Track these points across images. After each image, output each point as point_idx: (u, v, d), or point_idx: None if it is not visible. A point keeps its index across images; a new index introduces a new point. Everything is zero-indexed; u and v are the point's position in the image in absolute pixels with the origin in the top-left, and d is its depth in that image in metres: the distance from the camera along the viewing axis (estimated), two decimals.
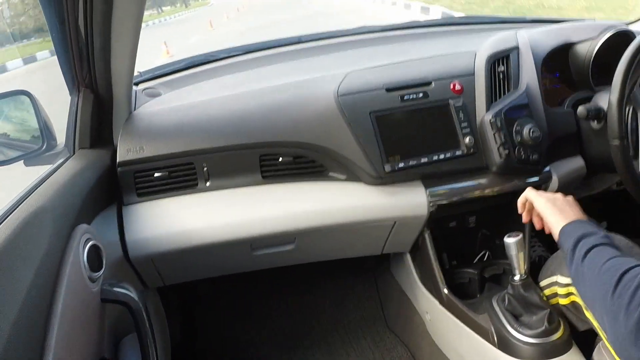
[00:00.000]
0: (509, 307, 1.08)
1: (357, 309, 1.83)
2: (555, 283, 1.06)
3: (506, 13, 8.36)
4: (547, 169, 1.23)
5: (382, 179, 1.14)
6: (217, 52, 1.59)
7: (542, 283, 1.11)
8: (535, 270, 1.15)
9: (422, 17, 9.18)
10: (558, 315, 1.05)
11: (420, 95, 1.16)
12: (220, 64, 1.54)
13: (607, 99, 1.07)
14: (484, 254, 1.38)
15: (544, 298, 1.08)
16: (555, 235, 0.93)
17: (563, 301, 1.04)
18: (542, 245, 1.55)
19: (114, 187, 1.14)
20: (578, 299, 0.98)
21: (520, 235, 1.04)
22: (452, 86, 1.18)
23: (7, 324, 0.61)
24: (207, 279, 1.38)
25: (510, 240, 1.04)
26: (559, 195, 1.00)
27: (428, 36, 1.69)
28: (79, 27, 0.94)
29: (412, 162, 1.13)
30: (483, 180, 1.19)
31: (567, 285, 1.02)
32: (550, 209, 0.96)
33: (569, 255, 0.86)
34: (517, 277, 1.08)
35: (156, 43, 10.89)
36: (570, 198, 1.00)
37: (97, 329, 0.86)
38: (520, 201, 1.06)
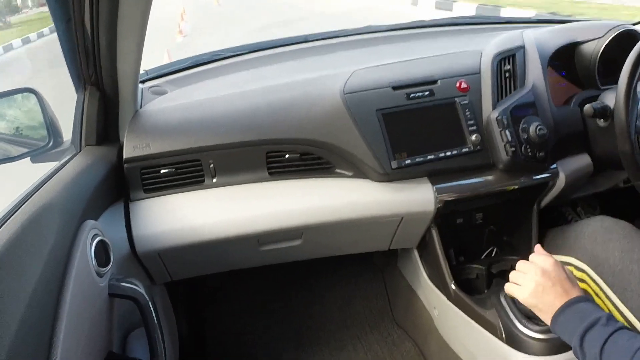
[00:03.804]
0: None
1: (364, 304, 1.83)
2: (570, 264, 1.03)
3: None
4: (554, 166, 1.23)
5: (389, 176, 1.14)
6: (223, 50, 1.59)
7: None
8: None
9: None
10: None
11: (426, 93, 1.16)
12: (225, 62, 1.54)
13: (613, 97, 1.08)
14: (492, 250, 1.37)
15: None
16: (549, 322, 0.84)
17: None
18: None
19: (120, 183, 1.15)
20: (588, 288, 0.96)
21: None
22: (458, 84, 1.18)
23: (15, 319, 0.61)
24: (214, 274, 1.39)
25: None
26: (530, 279, 0.88)
27: (434, 35, 1.69)
28: (85, 25, 0.94)
29: (418, 159, 1.13)
30: (490, 177, 1.19)
31: (582, 270, 0.99)
32: (534, 305, 0.86)
33: (578, 353, 0.78)
34: None
35: None
36: (538, 270, 0.87)
37: (104, 323, 0.87)
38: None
